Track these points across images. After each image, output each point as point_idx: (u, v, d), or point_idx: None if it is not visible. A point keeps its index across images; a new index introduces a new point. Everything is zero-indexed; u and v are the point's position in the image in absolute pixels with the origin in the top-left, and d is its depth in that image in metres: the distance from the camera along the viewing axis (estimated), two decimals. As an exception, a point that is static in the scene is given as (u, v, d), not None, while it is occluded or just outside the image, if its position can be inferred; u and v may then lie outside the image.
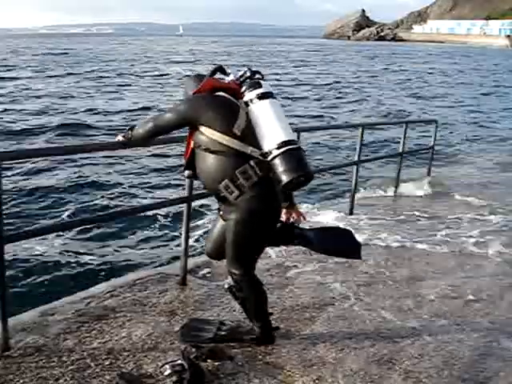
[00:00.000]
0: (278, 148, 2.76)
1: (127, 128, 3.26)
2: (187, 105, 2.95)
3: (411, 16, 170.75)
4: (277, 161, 2.76)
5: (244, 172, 2.83)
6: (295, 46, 79.23)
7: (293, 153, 2.78)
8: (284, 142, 2.78)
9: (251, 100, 2.88)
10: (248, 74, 3.01)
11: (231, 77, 3.06)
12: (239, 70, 3.06)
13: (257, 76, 3.02)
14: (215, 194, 2.98)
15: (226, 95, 2.95)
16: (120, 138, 3.26)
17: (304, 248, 3.34)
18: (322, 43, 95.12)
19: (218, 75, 3.11)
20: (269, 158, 2.79)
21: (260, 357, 3.16)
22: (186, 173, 3.10)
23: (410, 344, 3.47)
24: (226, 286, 3.22)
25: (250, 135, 2.85)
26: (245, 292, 3.10)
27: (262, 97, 2.88)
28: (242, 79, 3.00)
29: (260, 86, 2.91)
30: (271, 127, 2.83)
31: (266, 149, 2.81)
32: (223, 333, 3.29)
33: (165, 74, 31.92)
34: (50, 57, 43.56)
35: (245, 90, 2.93)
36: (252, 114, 2.87)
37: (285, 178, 2.74)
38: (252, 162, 2.84)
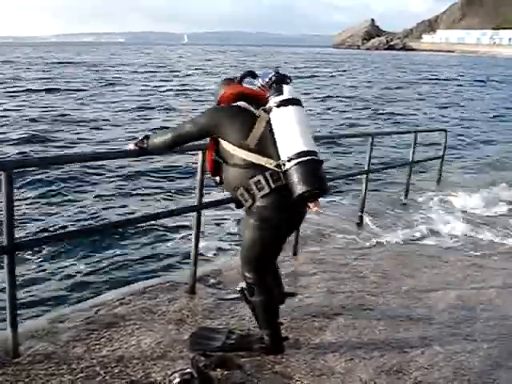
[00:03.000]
0: (294, 158, 2.72)
1: (141, 137, 3.26)
2: (206, 117, 2.99)
3: (421, 25, 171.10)
4: (292, 171, 2.72)
5: (257, 182, 2.83)
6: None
7: (308, 165, 2.73)
8: (301, 152, 2.73)
9: (271, 107, 2.86)
10: (274, 78, 2.96)
11: (260, 81, 3.02)
12: (269, 73, 3.01)
13: (283, 80, 2.96)
14: (236, 200, 3.03)
15: (243, 105, 2.97)
16: (132, 146, 3.27)
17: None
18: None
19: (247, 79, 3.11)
20: (284, 168, 2.76)
21: (269, 366, 3.15)
22: (218, 179, 3.11)
23: (420, 354, 3.45)
24: (238, 288, 3.18)
25: (267, 144, 2.84)
26: (256, 296, 3.09)
27: (281, 104, 2.84)
28: (270, 83, 2.96)
29: (281, 93, 2.87)
30: (289, 136, 2.78)
31: (282, 158, 2.77)
32: (232, 341, 3.27)
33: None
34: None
35: (269, 96, 2.90)
36: (273, 121, 2.85)
37: (298, 190, 2.71)
38: (267, 173, 2.82)
